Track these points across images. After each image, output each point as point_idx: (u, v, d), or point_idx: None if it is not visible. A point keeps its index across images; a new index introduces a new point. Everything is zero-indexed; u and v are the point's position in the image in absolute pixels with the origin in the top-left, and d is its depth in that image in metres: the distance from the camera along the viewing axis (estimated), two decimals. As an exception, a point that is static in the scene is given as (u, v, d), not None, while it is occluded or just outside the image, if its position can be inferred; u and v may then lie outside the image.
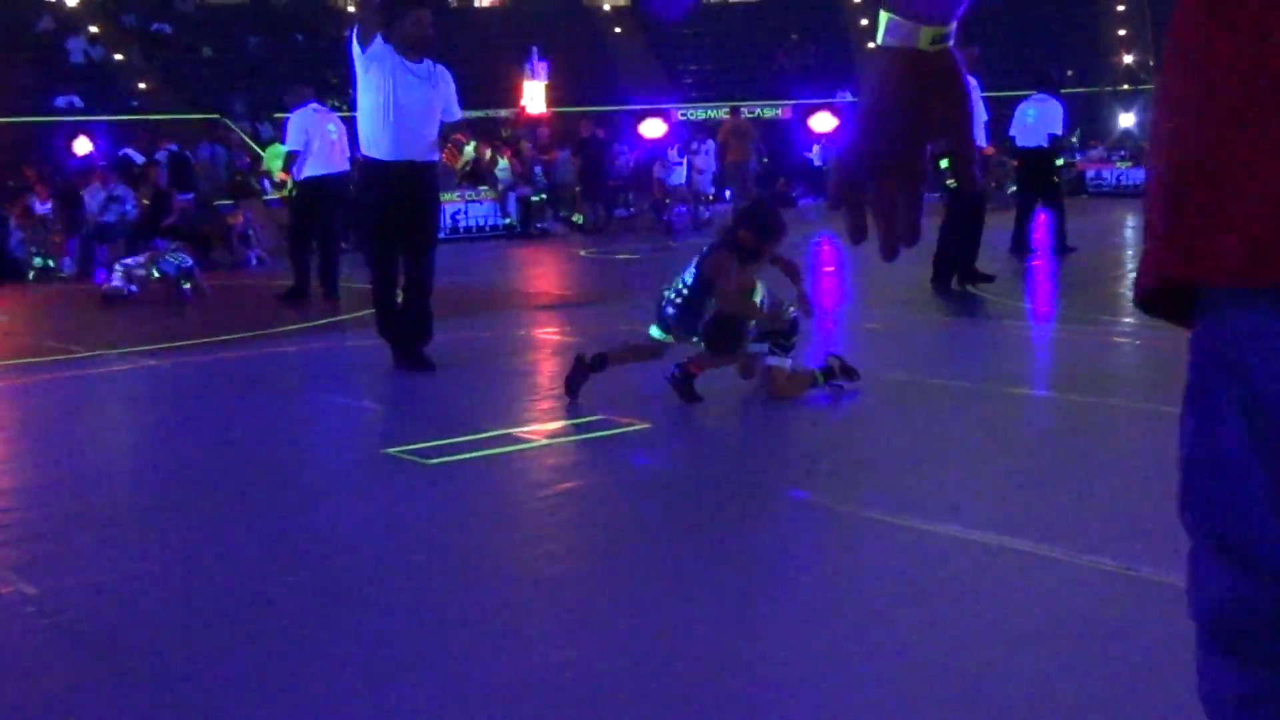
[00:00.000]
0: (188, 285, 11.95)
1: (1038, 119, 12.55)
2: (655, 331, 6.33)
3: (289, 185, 12.01)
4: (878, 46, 1.23)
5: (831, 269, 13.93)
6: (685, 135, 22.13)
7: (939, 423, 5.74)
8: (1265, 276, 0.90)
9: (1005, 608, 3.44)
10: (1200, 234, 0.94)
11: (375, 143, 7.37)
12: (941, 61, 1.22)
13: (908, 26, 1.21)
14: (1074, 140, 23.81)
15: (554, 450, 5.54)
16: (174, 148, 18.07)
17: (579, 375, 6.31)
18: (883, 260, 1.31)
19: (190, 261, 12.17)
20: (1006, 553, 3.86)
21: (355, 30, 7.40)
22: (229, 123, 22.44)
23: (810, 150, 25.39)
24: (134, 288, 11.99)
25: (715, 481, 5.07)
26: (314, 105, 11.70)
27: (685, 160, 20.62)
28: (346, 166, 11.74)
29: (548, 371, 7.58)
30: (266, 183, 18.07)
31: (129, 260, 12.38)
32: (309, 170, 11.46)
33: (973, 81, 1.27)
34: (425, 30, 7.33)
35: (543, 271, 14.83)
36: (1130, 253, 14.80)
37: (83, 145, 20.17)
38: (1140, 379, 6.87)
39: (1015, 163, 13.71)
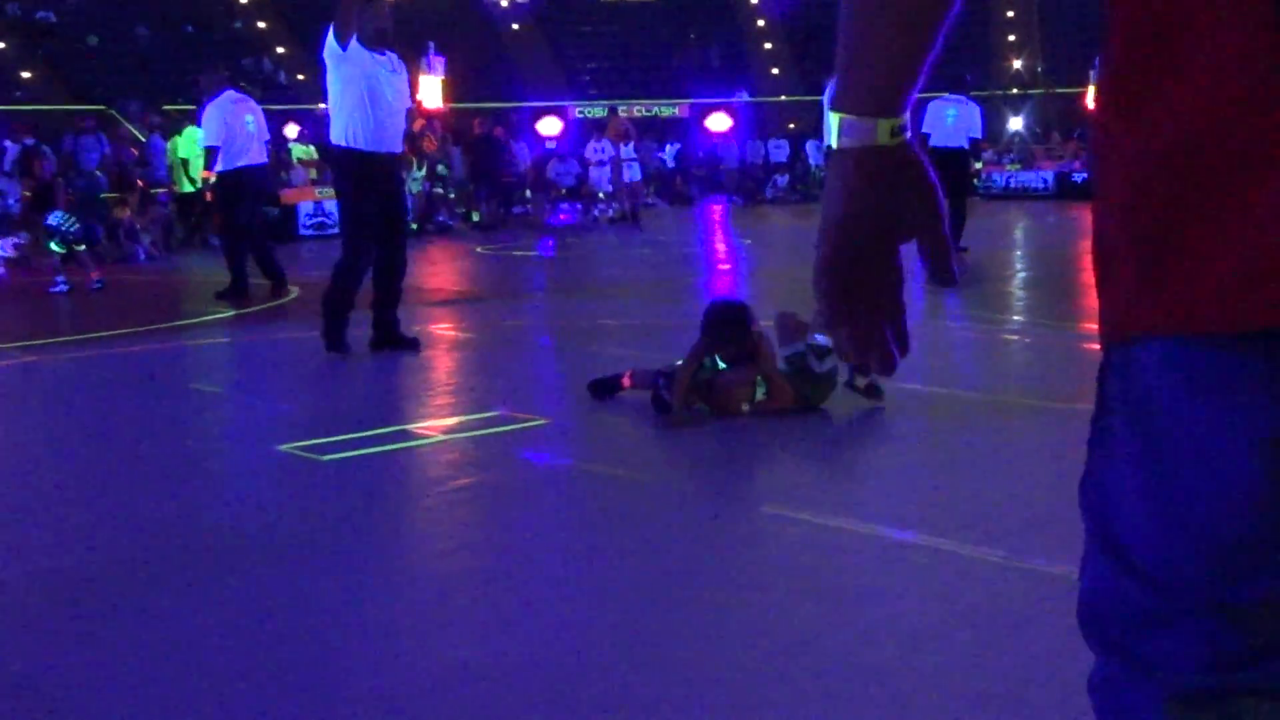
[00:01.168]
0: (83, 249, 11.74)
1: (957, 121, 12.64)
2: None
3: (207, 182, 11.51)
4: (836, 151, 1.17)
5: (727, 267, 13.99)
6: (590, 133, 22.17)
7: (832, 423, 5.75)
8: (1246, 320, 0.93)
9: (904, 602, 3.44)
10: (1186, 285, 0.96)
11: (354, 134, 7.61)
12: (904, 154, 1.16)
13: (864, 124, 1.15)
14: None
15: (450, 446, 5.45)
16: (29, 141, 17.59)
17: (604, 388, 6.15)
18: (883, 375, 1.26)
19: (99, 230, 11.97)
20: (903, 548, 3.86)
21: (333, 28, 7.53)
22: (117, 114, 21.91)
23: (705, 151, 25.51)
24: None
25: (612, 477, 5.03)
26: (231, 93, 11.20)
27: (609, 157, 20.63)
28: (265, 159, 11.42)
29: (443, 368, 7.49)
30: (172, 175, 17.55)
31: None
32: (229, 163, 10.94)
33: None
34: (387, 22, 7.64)
35: (439, 269, 14.68)
36: (1019, 253, 15.08)
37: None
38: (1031, 376, 6.96)
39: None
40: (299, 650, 3.20)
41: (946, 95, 12.91)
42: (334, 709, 2.84)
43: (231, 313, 10.14)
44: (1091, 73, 27.81)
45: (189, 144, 15.81)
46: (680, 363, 5.77)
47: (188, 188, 16.76)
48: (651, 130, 26.20)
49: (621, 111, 23.46)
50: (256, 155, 11.20)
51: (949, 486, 4.65)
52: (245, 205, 11.10)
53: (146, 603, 3.56)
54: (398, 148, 7.86)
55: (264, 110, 11.75)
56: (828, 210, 1.17)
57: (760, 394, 5.70)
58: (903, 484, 4.76)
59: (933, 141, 12.75)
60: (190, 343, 8.77)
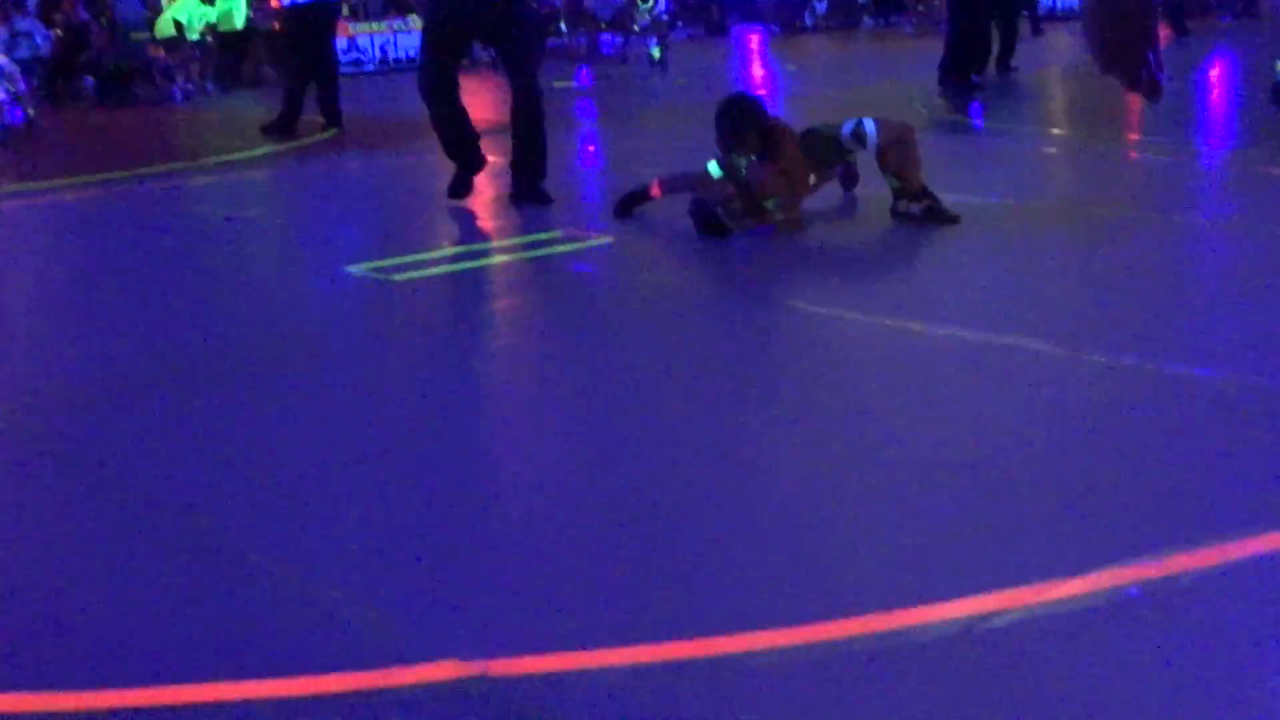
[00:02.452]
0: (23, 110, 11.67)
1: None
2: (713, 168, 5.83)
3: (277, 13, 11.18)
4: None
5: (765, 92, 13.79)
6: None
7: (922, 234, 5.68)
8: None
9: (997, 400, 3.47)
10: None
11: None
12: None
13: None
14: None
15: (517, 265, 5.47)
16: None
17: (633, 201, 6.15)
18: (1151, 101, 1.37)
19: (23, 85, 11.86)
20: (993, 348, 3.87)
21: None
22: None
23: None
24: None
25: (686, 290, 5.05)
26: None
27: None
28: None
29: (492, 194, 7.44)
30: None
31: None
32: None
33: None
34: None
35: (477, 100, 14.51)
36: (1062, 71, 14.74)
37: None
38: (1078, 186, 6.89)
39: None
40: (376, 443, 3.28)
41: None
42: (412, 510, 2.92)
43: (280, 147, 10.09)
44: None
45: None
46: (708, 172, 5.73)
47: (229, 26, 16.56)
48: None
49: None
50: None
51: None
52: (317, 40, 10.89)
53: (215, 397, 3.66)
54: None
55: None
56: None
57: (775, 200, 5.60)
58: (996, 292, 4.76)
59: None
60: (239, 175, 8.76)
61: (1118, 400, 3.38)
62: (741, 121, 5.71)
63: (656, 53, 17.19)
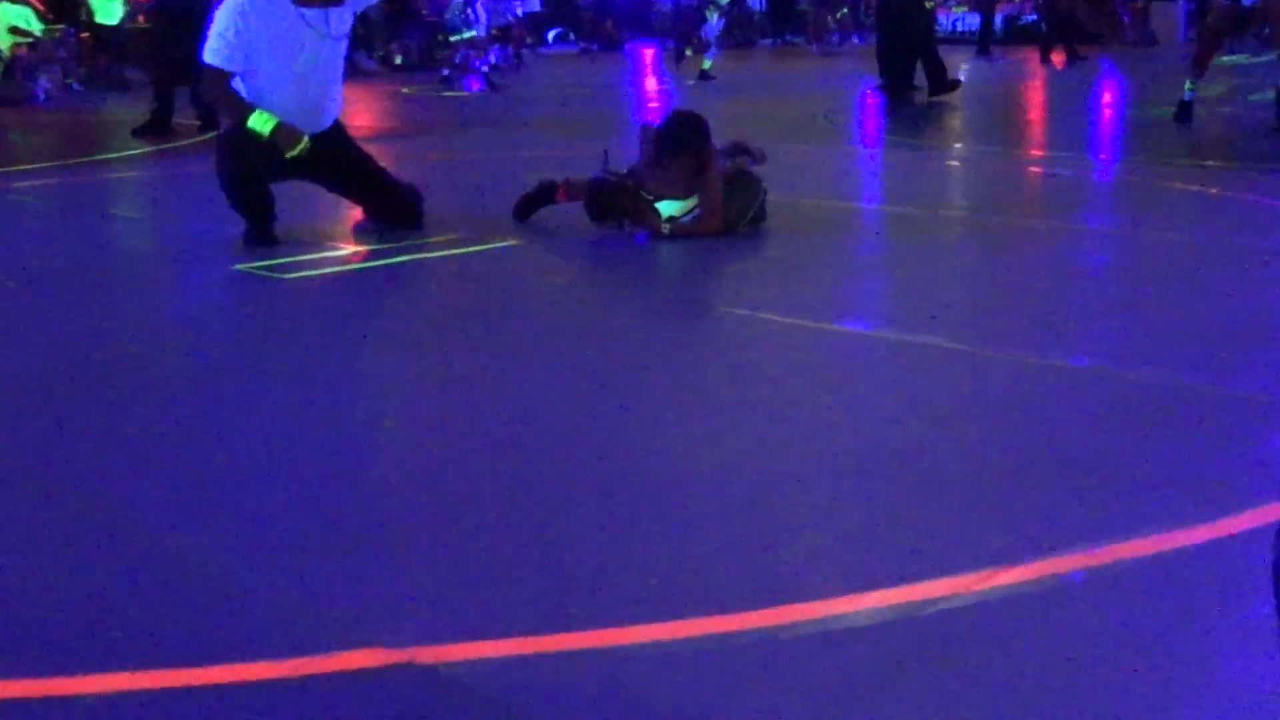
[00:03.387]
0: None
1: None
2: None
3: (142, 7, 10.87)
4: None
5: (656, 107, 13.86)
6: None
7: (835, 240, 5.74)
8: None
9: (916, 395, 3.51)
10: None
11: None
12: None
13: None
14: None
15: (413, 266, 5.41)
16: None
17: (534, 203, 6.12)
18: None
19: None
20: (912, 346, 3.93)
21: None
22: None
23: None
24: None
25: (594, 290, 5.05)
26: None
27: None
28: None
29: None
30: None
31: None
32: None
33: None
34: None
35: (361, 108, 14.40)
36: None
37: None
38: (976, 195, 7.05)
39: None
40: (282, 435, 3.22)
41: None
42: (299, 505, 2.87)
43: (152, 148, 9.88)
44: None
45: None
46: (620, 170, 5.76)
47: (106, 18, 16.17)
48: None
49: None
50: None
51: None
52: (185, 36, 10.68)
53: (120, 397, 3.57)
54: None
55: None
56: None
57: (687, 215, 5.65)
58: (911, 293, 4.83)
59: None
60: (113, 176, 8.56)
61: (1031, 394, 3.46)
62: (686, 138, 5.67)
63: (708, 64, 16.96)
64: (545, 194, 6.09)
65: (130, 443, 3.24)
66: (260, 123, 5.46)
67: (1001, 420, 3.26)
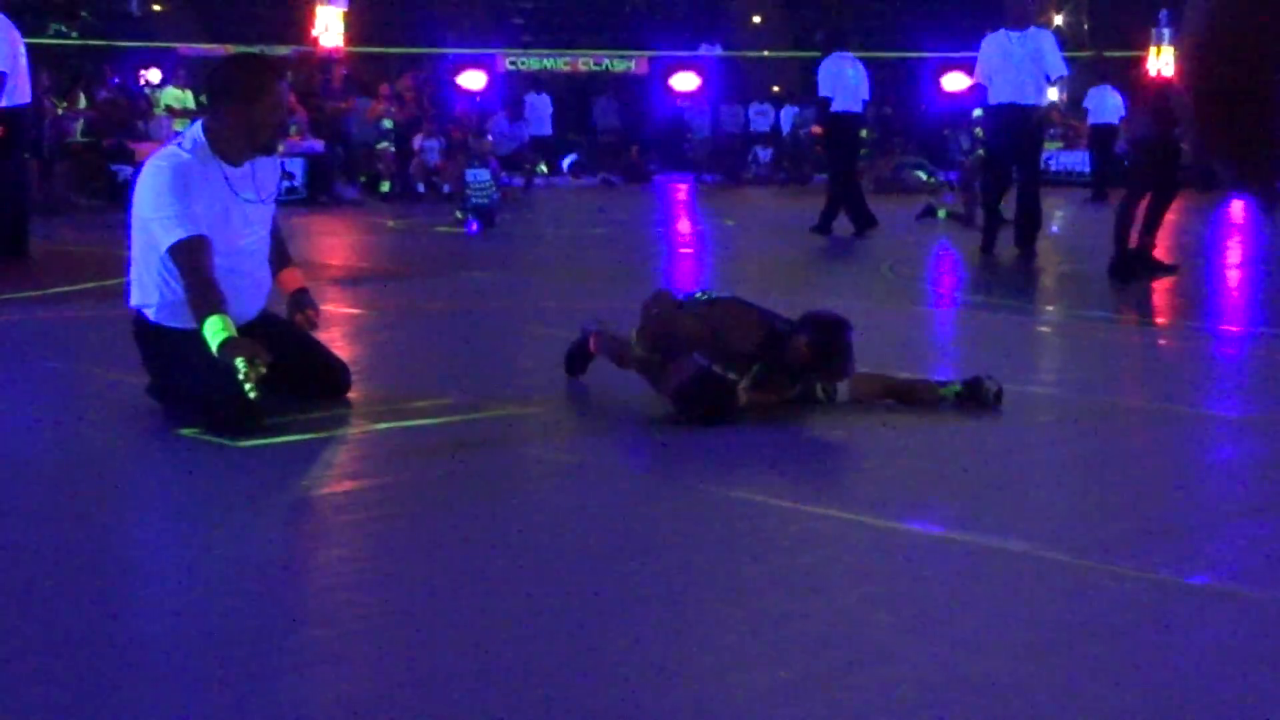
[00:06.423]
0: None
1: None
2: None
3: None
4: None
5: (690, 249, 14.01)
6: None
7: (902, 420, 5.71)
8: None
9: (1006, 615, 3.45)
10: None
11: None
12: None
13: None
14: None
15: (395, 434, 5.40)
16: None
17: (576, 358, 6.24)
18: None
19: None
20: (997, 555, 3.87)
21: None
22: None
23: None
24: None
25: (626, 473, 5.02)
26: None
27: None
28: (29, 98, 11.12)
29: (349, 353, 7.38)
30: None
31: None
32: (11, 99, 10.46)
33: None
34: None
35: (338, 243, 14.62)
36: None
37: None
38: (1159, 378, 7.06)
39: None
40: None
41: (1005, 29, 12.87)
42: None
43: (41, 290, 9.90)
44: (1155, 31, 28.23)
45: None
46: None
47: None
48: (598, 85, 26.10)
49: (564, 64, 23.39)
50: (24, 93, 10.84)
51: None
52: (16, 155, 10.89)
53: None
54: None
55: (114, 47, 11.51)
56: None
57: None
58: (993, 489, 4.79)
59: (1006, 98, 12.65)
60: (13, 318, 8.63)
61: (1143, 619, 3.40)
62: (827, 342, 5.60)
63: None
64: (581, 347, 6.22)
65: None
66: (214, 333, 5.12)
67: (1104, 653, 3.19)
